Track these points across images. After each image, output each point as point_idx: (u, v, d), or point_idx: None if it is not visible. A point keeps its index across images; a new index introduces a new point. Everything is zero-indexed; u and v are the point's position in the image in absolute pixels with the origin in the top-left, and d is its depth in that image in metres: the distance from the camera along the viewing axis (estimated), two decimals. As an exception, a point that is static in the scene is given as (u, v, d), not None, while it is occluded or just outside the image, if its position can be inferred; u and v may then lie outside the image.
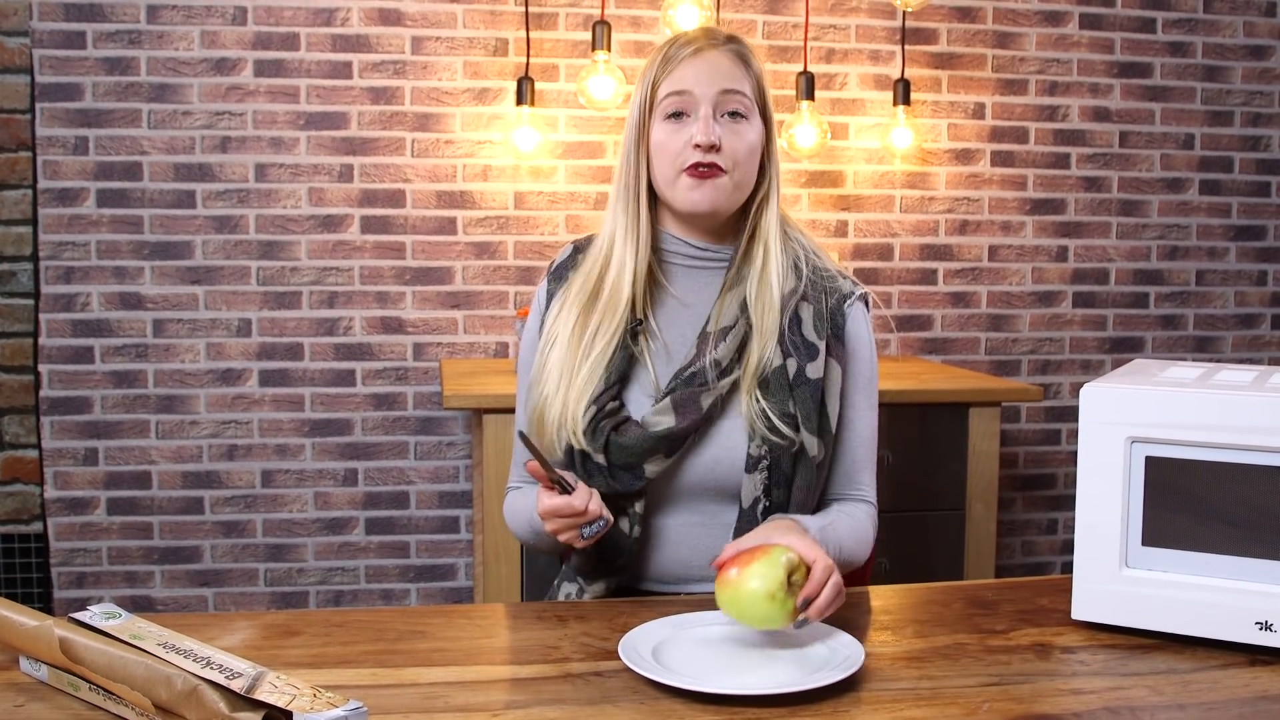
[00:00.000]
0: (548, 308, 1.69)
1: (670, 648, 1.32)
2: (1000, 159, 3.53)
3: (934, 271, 3.52)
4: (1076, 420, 3.42)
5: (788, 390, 1.58)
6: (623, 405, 1.61)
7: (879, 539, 1.74)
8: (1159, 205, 3.62)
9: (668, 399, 1.58)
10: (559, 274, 1.71)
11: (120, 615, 1.30)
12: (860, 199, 3.46)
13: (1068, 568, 3.64)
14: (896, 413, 2.85)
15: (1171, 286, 3.65)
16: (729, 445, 1.60)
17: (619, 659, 1.27)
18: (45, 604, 3.26)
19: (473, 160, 3.28)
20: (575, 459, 1.61)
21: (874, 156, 3.45)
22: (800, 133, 3.19)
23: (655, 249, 1.66)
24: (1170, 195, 3.62)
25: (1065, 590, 1.44)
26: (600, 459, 1.58)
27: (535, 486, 1.69)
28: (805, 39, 3.29)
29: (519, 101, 3.18)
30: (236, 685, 1.09)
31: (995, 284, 3.56)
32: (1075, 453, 3.58)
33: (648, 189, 1.62)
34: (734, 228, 1.65)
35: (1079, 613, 1.39)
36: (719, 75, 1.56)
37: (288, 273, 3.24)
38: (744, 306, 1.61)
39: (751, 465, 1.58)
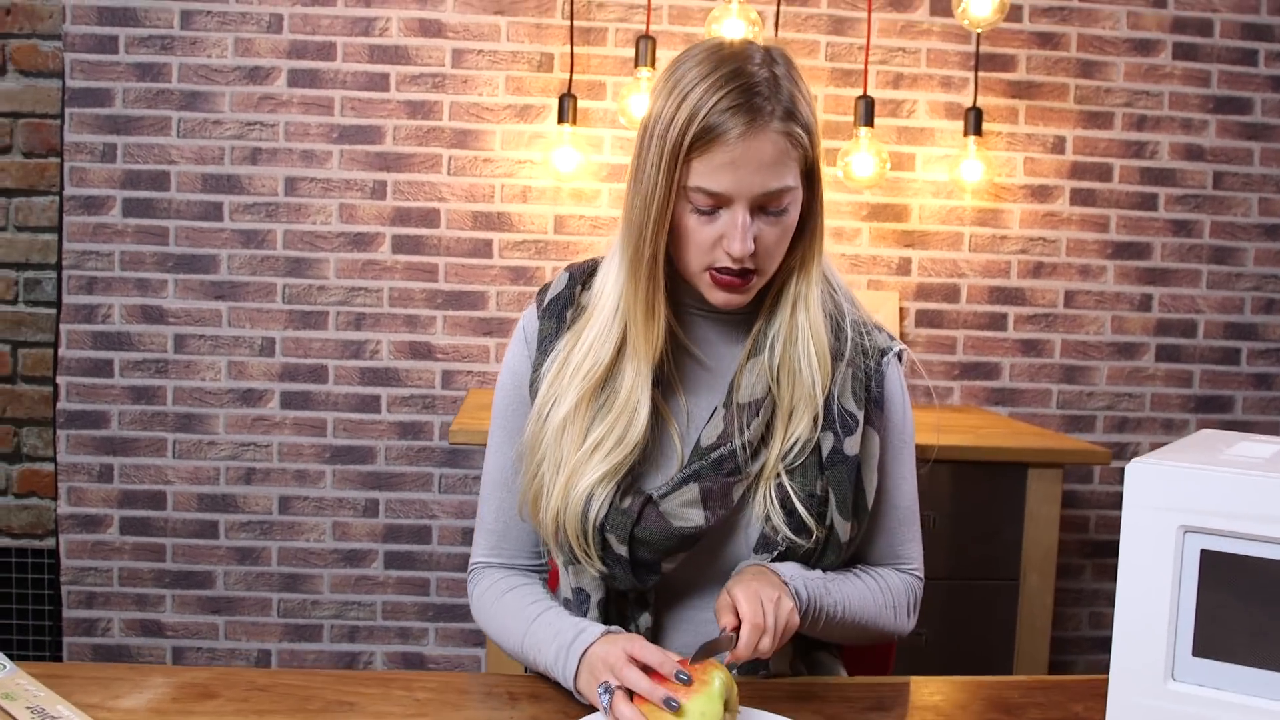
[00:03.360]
0: (540, 352, 1.47)
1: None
2: (1080, 197, 3.27)
3: (1004, 316, 3.27)
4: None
5: (817, 471, 1.39)
6: (636, 482, 1.40)
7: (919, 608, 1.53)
8: (1255, 254, 3.33)
9: (694, 487, 1.37)
10: (553, 311, 1.48)
11: (5, 668, 1.19)
12: (926, 235, 3.23)
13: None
14: (948, 470, 2.61)
15: (1267, 342, 3.36)
16: (746, 536, 1.41)
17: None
18: (55, 622, 3.16)
19: (512, 180, 3.12)
20: (573, 550, 1.39)
21: (942, 190, 3.22)
22: (857, 161, 2.97)
23: (671, 301, 1.44)
24: (1268, 243, 3.33)
25: (1105, 696, 1.20)
26: (623, 551, 1.36)
27: (519, 575, 1.50)
28: (866, 61, 3.07)
29: (560, 120, 3.00)
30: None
31: (1071, 332, 3.30)
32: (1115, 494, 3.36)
33: (665, 258, 1.38)
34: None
35: (1113, 737, 1.16)
36: (764, 172, 1.29)
37: (315, 291, 3.10)
38: (776, 376, 1.41)
39: (762, 548, 1.39)
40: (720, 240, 1.31)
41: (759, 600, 1.23)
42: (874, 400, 1.43)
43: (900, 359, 1.51)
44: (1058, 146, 3.25)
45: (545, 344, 1.45)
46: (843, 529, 1.38)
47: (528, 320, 1.51)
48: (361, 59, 3.07)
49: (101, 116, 3.04)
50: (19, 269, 3.15)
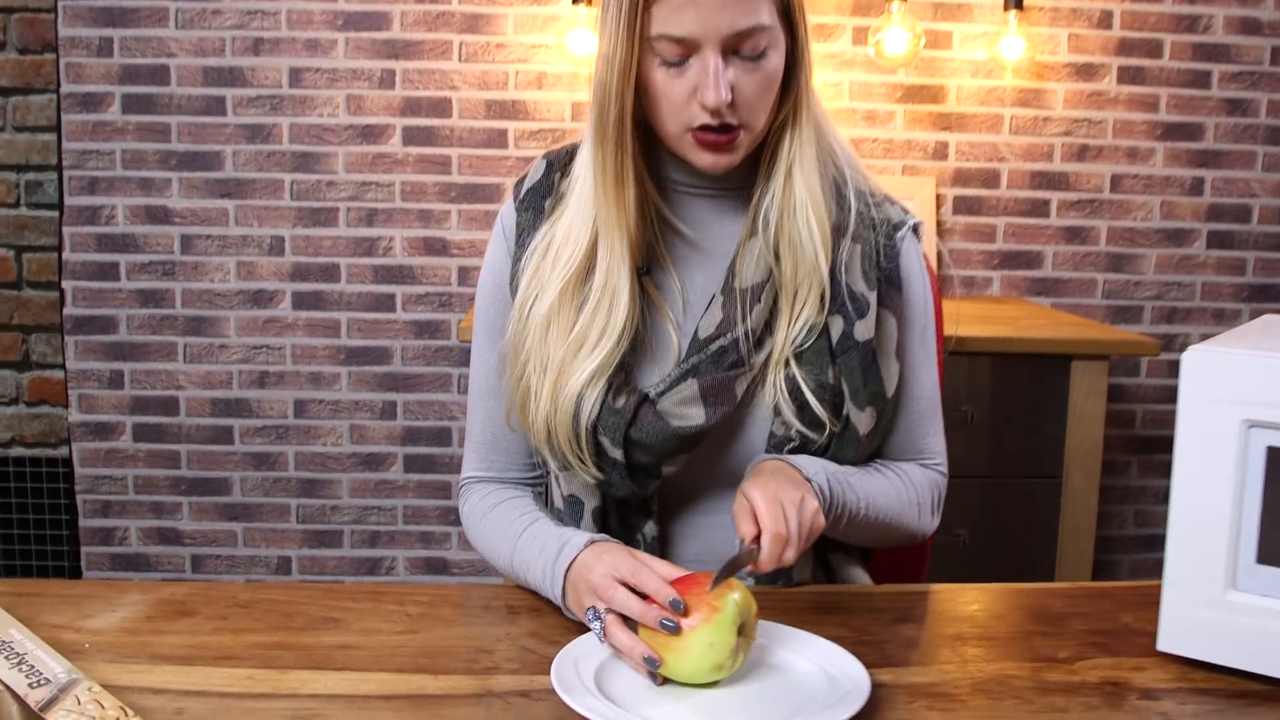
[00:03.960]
0: (519, 246, 1.34)
1: (620, 671, 1.03)
2: (1128, 75, 3.08)
3: (1046, 202, 3.11)
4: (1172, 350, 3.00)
5: (828, 358, 1.26)
6: (630, 379, 1.28)
7: (955, 508, 1.41)
8: (1314, 132, 3.15)
9: (693, 383, 1.25)
10: (530, 202, 1.34)
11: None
12: (964, 118, 3.06)
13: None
14: (988, 363, 2.48)
15: (1325, 226, 3.18)
16: (756, 433, 1.29)
17: (553, 677, 0.98)
18: (72, 530, 3.10)
19: (526, 66, 2.96)
20: (566, 457, 1.27)
21: (980, 69, 3.04)
22: (890, 38, 2.80)
23: (653, 179, 1.31)
24: (1329, 120, 3.15)
25: (1157, 605, 1.08)
26: (618, 455, 1.25)
27: (509, 488, 1.38)
28: (903, -70, 2.88)
29: (575, 0, 2.84)
30: (34, 698, 0.92)
31: (1117, 219, 3.13)
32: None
33: (638, 125, 1.24)
34: (753, 153, 1.30)
35: (1167, 644, 1.05)
36: (728, 9, 1.15)
37: (323, 187, 2.98)
38: (776, 254, 1.27)
39: (774, 447, 1.27)
40: (695, 94, 1.18)
41: (779, 503, 1.10)
42: (888, 279, 1.30)
43: (917, 233, 1.37)
44: (1104, 21, 3.06)
45: (524, 236, 1.32)
46: (859, 420, 1.26)
47: (505, 214, 1.37)
48: (366, -61, 2.92)
49: (96, 9, 2.91)
50: (19, 170, 3.04)
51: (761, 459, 1.25)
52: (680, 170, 1.30)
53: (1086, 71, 3.07)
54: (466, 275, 3.02)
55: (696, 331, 1.27)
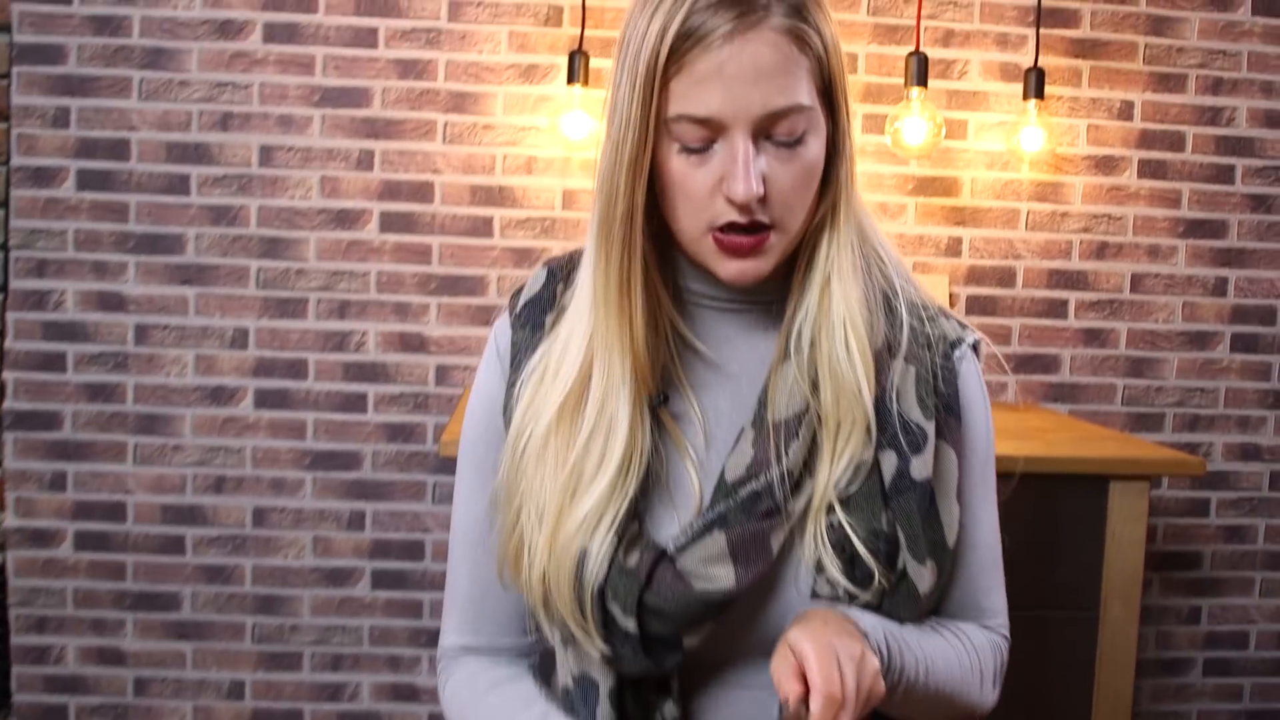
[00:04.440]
0: (514, 368, 1.14)
1: None
2: (1150, 169, 2.92)
3: (1064, 303, 2.93)
4: (1229, 488, 2.83)
5: (880, 501, 1.05)
6: (643, 530, 1.06)
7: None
8: (1343, 232, 3.00)
9: (720, 536, 1.03)
10: (528, 317, 1.15)
11: None
12: (978, 212, 2.88)
13: (1211, 665, 3.05)
14: (1014, 484, 2.26)
15: (1353, 331, 3.02)
16: (795, 595, 1.07)
17: None
18: (2, 648, 2.80)
19: (515, 149, 2.76)
20: (566, 625, 1.06)
21: (997, 161, 2.87)
22: (908, 127, 2.62)
23: (669, 289, 1.11)
24: (1357, 220, 3.00)
25: None
26: (630, 625, 1.03)
27: (504, 665, 1.16)
28: (919, 12, 2.71)
29: (570, 80, 2.65)
30: None
31: (1138, 320, 2.95)
32: (1227, 527, 3.03)
33: (651, 224, 1.05)
34: (786, 260, 1.10)
35: None
36: (761, 84, 0.98)
37: (292, 276, 2.75)
38: (814, 380, 1.07)
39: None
40: (720, 186, 1.00)
41: (834, 657, 0.91)
42: (946, 407, 1.10)
43: (977, 351, 1.17)
44: (1125, 112, 2.91)
45: (520, 357, 1.12)
46: (919, 575, 1.06)
47: (499, 331, 1.17)
48: (346, 11, 2.72)
49: (53, 76, 2.68)
50: (-41, 251, 2.80)
51: (810, 611, 1.03)
52: (701, 280, 1.11)
53: (1106, 165, 2.91)
54: (445, 374, 2.79)
55: (723, 472, 1.06)
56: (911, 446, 1.06)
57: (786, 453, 1.04)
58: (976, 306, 2.89)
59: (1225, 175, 2.95)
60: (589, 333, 1.06)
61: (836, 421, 1.05)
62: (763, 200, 1.00)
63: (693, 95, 0.97)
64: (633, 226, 1.02)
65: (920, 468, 1.05)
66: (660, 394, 1.08)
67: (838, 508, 1.04)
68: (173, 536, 2.78)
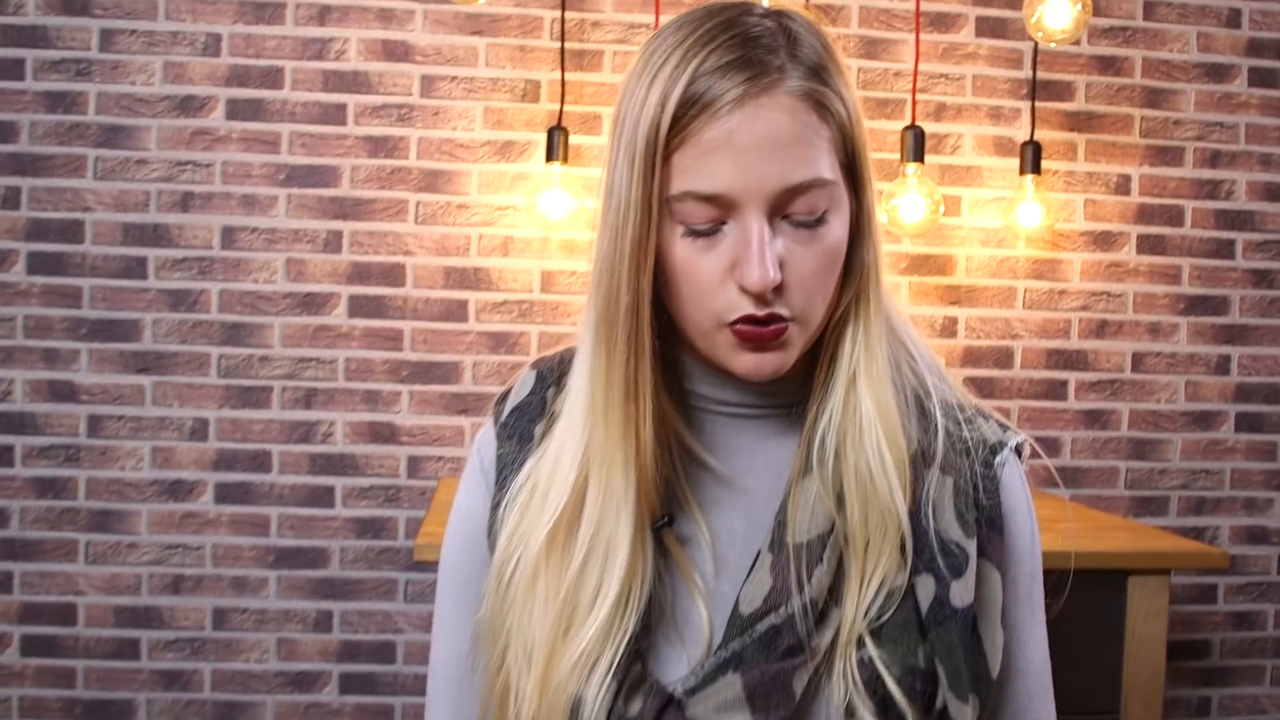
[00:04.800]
0: (499, 485, 1.00)
1: None
2: (1149, 245, 2.83)
3: (1063, 384, 2.82)
4: (1237, 573, 2.71)
5: (916, 633, 0.92)
6: (646, 671, 0.92)
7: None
8: (1348, 308, 2.91)
9: (735, 678, 0.89)
10: (515, 427, 1.01)
11: None
12: (974, 291, 2.77)
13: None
14: (1067, 588, 2.13)
15: (1360, 409, 2.93)
16: None
17: None
18: (-57, 763, 2.62)
19: (491, 230, 2.64)
20: None
21: (992, 238, 2.77)
22: (905, 204, 2.51)
23: (672, 392, 0.98)
24: (1361, 296, 2.91)
25: None
26: None
27: None
28: (914, 86, 2.62)
29: (549, 158, 2.53)
30: None
31: (1140, 400, 2.85)
32: (1235, 613, 2.91)
33: (653, 314, 0.92)
34: (805, 357, 0.97)
35: None
36: (778, 155, 0.86)
37: (256, 363, 2.61)
38: (839, 495, 0.93)
39: None
40: (731, 272, 0.88)
41: None
42: (989, 521, 0.96)
43: (1020, 455, 1.03)
44: (1122, 186, 2.82)
45: (506, 473, 0.99)
46: (960, 714, 0.92)
47: (483, 443, 1.04)
48: (314, 87, 2.61)
49: (4, 154, 2.55)
50: (-99, 338, 2.64)
51: None
52: (709, 381, 0.98)
53: (1105, 240, 2.82)
54: (418, 466, 2.64)
55: (737, 604, 0.93)
56: (951, 569, 0.92)
57: (809, 580, 0.91)
58: (974, 388, 2.75)
59: (1226, 250, 2.86)
60: (584, 445, 0.93)
61: (865, 539, 0.92)
62: (779, 290, 0.88)
63: (698, 169, 0.86)
64: (639, 321, 0.89)
65: (961, 593, 0.92)
66: (664, 515, 0.95)
67: (869, 641, 0.91)
68: (127, 640, 2.61)
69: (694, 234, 0.88)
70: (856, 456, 0.93)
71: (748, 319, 0.88)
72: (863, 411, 0.94)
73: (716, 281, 0.88)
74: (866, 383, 0.94)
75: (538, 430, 0.99)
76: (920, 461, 0.95)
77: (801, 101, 0.87)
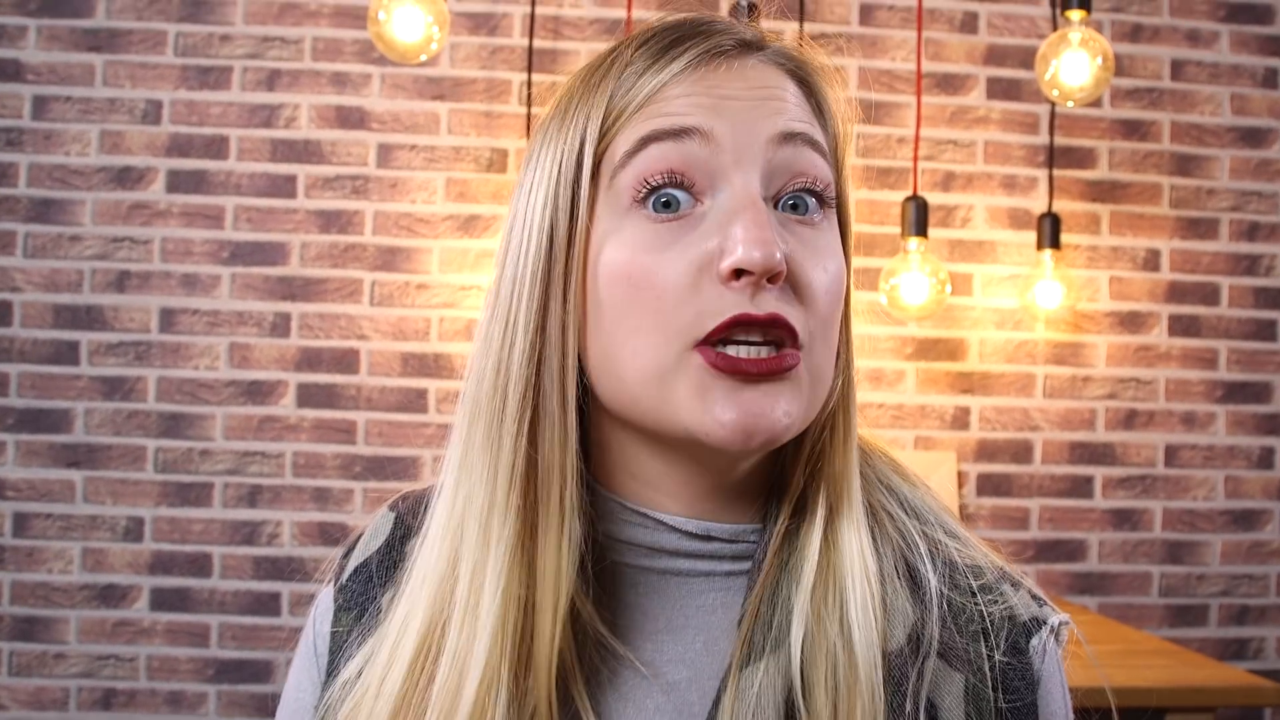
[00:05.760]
0: (329, 672, 0.73)
1: None
2: (1181, 326, 2.59)
3: (1089, 480, 2.56)
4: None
5: None
6: None
7: None
8: (1404, 395, 2.65)
9: None
10: (356, 589, 0.75)
11: None
12: (988, 378, 2.53)
13: None
14: None
15: None
16: None
17: None
18: None
19: (453, 312, 2.44)
20: None
21: (1008, 320, 2.53)
22: (906, 284, 2.27)
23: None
24: None
25: None
26: None
27: None
28: (916, 154, 2.38)
29: (514, 235, 2.32)
30: None
31: (1174, 498, 2.59)
32: None
33: (564, 401, 0.66)
34: (758, 482, 0.71)
35: None
36: (772, 105, 0.65)
37: (195, 457, 2.41)
38: (802, 684, 0.65)
39: None
40: (708, 268, 0.63)
41: None
42: None
43: (1059, 638, 0.72)
44: (1150, 262, 2.57)
45: (338, 659, 0.73)
46: None
47: (319, 611, 0.78)
48: (261, 156, 2.43)
49: (-75, 232, 2.37)
50: None
51: None
52: (625, 523, 0.71)
53: (1132, 322, 2.57)
54: (372, 570, 2.41)
55: None
56: None
57: None
58: (989, 486, 2.52)
59: (1266, 331, 2.61)
60: (433, 600, 0.67)
61: None
62: (782, 288, 0.63)
63: (663, 113, 0.64)
64: (565, 398, 0.65)
65: None
66: (550, 712, 0.68)
67: None
68: (50, 763, 2.39)
69: (652, 214, 0.63)
70: (832, 627, 0.67)
71: (740, 320, 0.62)
72: (846, 562, 0.68)
73: (686, 284, 0.62)
74: (849, 524, 0.69)
75: (385, 600, 0.73)
76: (910, 650, 0.68)
77: (789, 75, 0.68)
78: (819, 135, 0.67)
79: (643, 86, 0.65)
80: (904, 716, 0.66)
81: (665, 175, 0.63)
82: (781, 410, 0.63)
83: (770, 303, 0.62)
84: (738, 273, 0.61)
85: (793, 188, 0.65)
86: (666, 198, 0.63)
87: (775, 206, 0.65)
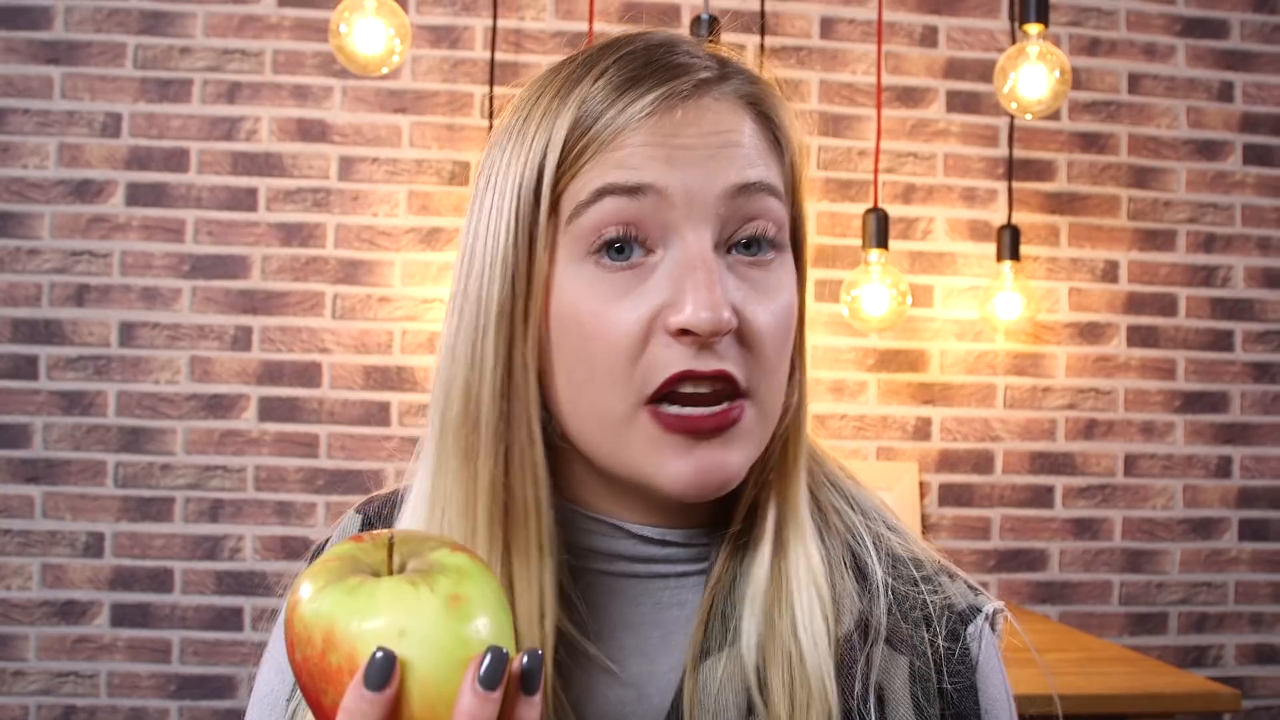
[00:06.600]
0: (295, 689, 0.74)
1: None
2: (1140, 337, 2.62)
3: (1049, 490, 2.59)
4: (1246, 695, 2.45)
5: None
6: None
7: None
8: (1359, 404, 2.69)
9: None
10: None
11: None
12: (949, 389, 2.55)
13: None
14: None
15: (1375, 514, 2.69)
16: None
17: None
18: None
19: (416, 325, 2.44)
20: None
21: (968, 331, 2.55)
22: (868, 295, 2.29)
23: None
24: (1373, 390, 2.69)
25: None
26: None
27: None
28: (876, 167, 2.40)
29: (477, 248, 2.32)
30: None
31: (1134, 507, 2.62)
32: None
33: (531, 436, 0.68)
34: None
35: None
36: (727, 154, 0.66)
37: (157, 472, 2.40)
38: (749, 685, 0.68)
39: None
40: (658, 319, 0.65)
41: None
42: (957, 715, 0.71)
43: (994, 626, 0.76)
44: (1109, 273, 2.60)
45: None
46: None
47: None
48: (221, 169, 2.43)
49: (-120, 246, 2.35)
50: None
51: None
52: (590, 524, 0.72)
53: (1091, 332, 2.59)
54: (334, 584, 2.41)
55: None
56: None
57: None
58: (950, 497, 2.54)
59: (1224, 341, 2.64)
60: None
61: None
62: (731, 342, 0.65)
63: (617, 165, 0.65)
64: (532, 434, 0.66)
65: None
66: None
67: None
68: (8, 782, 2.37)
69: (605, 262, 0.65)
70: (782, 629, 0.69)
71: (685, 376, 0.64)
72: (796, 564, 0.70)
73: (636, 336, 0.64)
74: (795, 532, 0.70)
75: None
76: (858, 638, 0.70)
77: (747, 109, 0.68)
78: (774, 176, 0.68)
79: (603, 127, 0.65)
80: (854, 698, 0.68)
81: (619, 229, 0.64)
82: (734, 459, 0.66)
83: (714, 360, 0.64)
84: (685, 330, 0.63)
85: (746, 235, 0.66)
86: (620, 245, 0.65)
87: (729, 251, 0.66)
